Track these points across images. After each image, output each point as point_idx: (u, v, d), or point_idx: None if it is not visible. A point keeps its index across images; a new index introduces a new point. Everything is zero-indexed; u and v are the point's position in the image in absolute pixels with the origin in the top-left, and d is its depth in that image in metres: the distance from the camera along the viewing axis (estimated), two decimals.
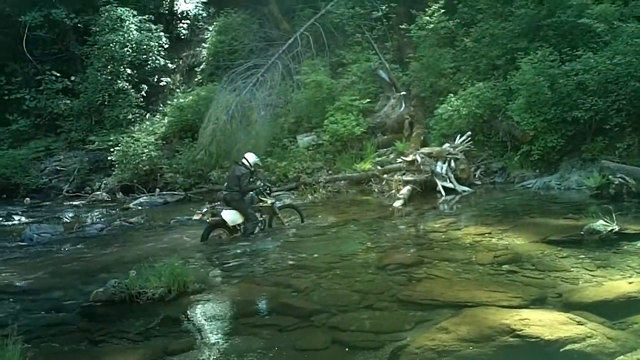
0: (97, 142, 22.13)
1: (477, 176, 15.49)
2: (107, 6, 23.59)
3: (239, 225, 11.17)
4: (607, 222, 8.59)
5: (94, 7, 24.52)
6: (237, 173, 11.20)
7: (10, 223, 15.78)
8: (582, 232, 8.68)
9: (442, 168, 14.57)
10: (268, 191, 12.04)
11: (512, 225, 10.05)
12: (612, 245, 8.12)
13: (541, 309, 5.87)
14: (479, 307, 5.93)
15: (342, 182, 16.69)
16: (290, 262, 8.89)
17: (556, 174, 14.28)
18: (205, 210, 11.48)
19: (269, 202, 11.66)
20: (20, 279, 9.16)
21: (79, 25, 24.94)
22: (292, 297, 7.01)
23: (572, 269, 7.17)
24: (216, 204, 12.11)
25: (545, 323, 5.26)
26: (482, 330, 5.29)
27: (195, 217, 11.93)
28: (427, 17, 18.48)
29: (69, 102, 24.13)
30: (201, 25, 27.87)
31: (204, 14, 28.07)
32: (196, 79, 25.52)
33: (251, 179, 11.46)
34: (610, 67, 13.32)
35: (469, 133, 15.45)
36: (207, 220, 11.15)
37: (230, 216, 11.07)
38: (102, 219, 15.34)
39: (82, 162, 22.24)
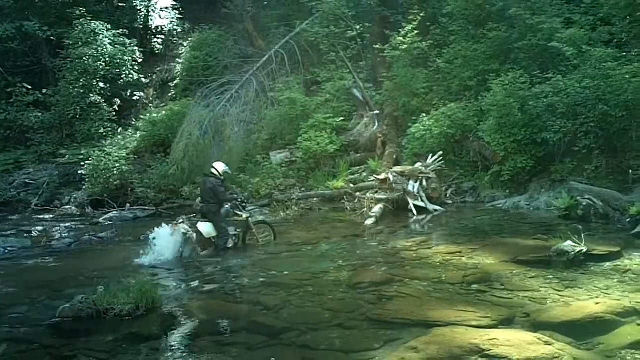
0: (67, 156, 21.87)
1: (448, 195, 15.61)
2: (81, 20, 23.42)
3: (213, 237, 11.12)
4: (576, 242, 8.72)
5: (68, 20, 24.33)
6: (209, 185, 11.16)
7: None
8: (550, 253, 8.80)
9: (414, 187, 14.64)
10: (243, 205, 11.94)
11: (482, 245, 10.12)
12: (580, 266, 8.25)
13: (509, 328, 5.92)
14: (448, 327, 5.95)
15: (315, 199, 16.69)
16: (261, 279, 8.83)
17: (526, 194, 14.46)
18: (180, 221, 11.31)
19: (244, 216, 11.57)
20: None
21: (52, 38, 24.73)
22: (262, 314, 6.96)
23: (540, 289, 7.24)
24: (192, 215, 12.03)
25: (513, 343, 5.31)
26: (451, 350, 5.31)
27: (170, 227, 11.79)
28: (401, 38, 18.68)
29: (40, 115, 23.82)
30: (176, 40, 27.86)
31: (179, 30, 28.07)
32: (170, 94, 25.45)
33: (227, 188, 11.39)
34: (579, 90, 13.55)
35: (441, 153, 15.58)
36: (182, 232, 10.94)
37: (206, 228, 11.06)
38: (70, 234, 15.09)
39: (52, 176, 21.92)
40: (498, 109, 14.57)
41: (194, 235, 10.97)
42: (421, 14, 18.84)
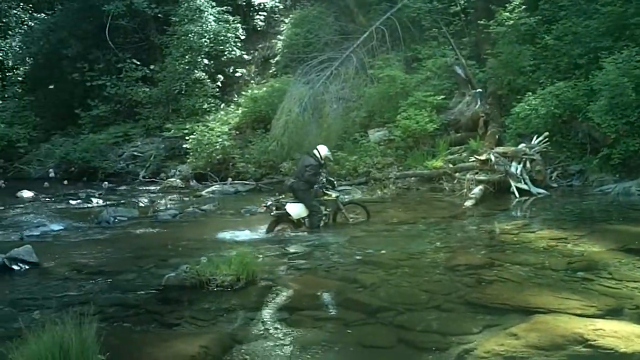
0: (173, 130, 22.75)
1: (553, 178, 15.05)
2: None
3: (303, 218, 11.20)
4: None
5: None
6: (305, 163, 11.25)
7: (89, 205, 16.41)
8: None
9: (516, 169, 14.22)
10: (333, 184, 11.87)
11: (588, 231, 9.71)
12: None
13: (617, 320, 5.66)
14: (550, 314, 5.77)
15: (413, 178, 16.58)
16: (357, 257, 8.88)
17: (637, 179, 13.69)
18: (270, 203, 11.56)
19: (334, 195, 11.55)
20: (97, 260, 9.51)
21: (159, 15, 25.70)
22: (358, 292, 7.01)
23: None
24: (281, 197, 12.20)
25: (620, 335, 5.08)
26: (554, 338, 5.15)
27: (260, 209, 12.06)
28: (507, 13, 18.03)
29: (147, 90, 24.93)
30: (277, 17, 28.20)
31: (281, 6, 28.39)
32: (270, 71, 25.86)
33: (320, 171, 11.42)
34: None
35: (547, 133, 14.98)
36: (272, 214, 11.23)
37: (295, 209, 11.12)
38: (175, 205, 15.77)
39: (158, 149, 22.95)
40: (610, 88, 13.83)
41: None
42: None
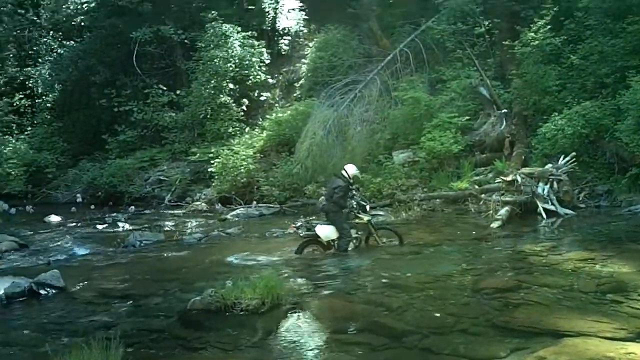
0: (198, 154, 22.91)
1: (580, 199, 14.87)
2: (212, 23, 24.54)
3: (333, 241, 11.07)
4: None
5: (201, 23, 25.58)
6: (334, 185, 11.13)
7: (115, 230, 16.58)
8: None
9: (543, 189, 14.09)
10: (365, 208, 11.60)
11: (617, 252, 9.58)
12: None
13: None
14: (580, 337, 5.69)
15: (438, 200, 16.49)
16: (383, 280, 8.84)
17: None
18: (299, 224, 11.59)
19: (365, 219, 11.37)
20: (124, 284, 9.60)
21: (185, 41, 26.06)
22: (384, 315, 6.98)
23: None
24: (311, 218, 12.16)
25: None
26: None
27: (290, 230, 12.04)
28: (532, 34, 17.96)
29: (173, 114, 25.20)
30: (301, 41, 28.39)
31: (305, 31, 28.58)
32: (295, 94, 26.00)
33: (351, 192, 11.31)
34: None
35: (574, 154, 14.83)
36: (301, 235, 11.23)
37: (325, 231, 11.03)
38: (200, 229, 15.86)
39: (184, 173, 23.13)
40: (638, 107, 13.70)
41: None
42: (554, 8, 18.01)
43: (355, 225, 11.39)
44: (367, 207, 11.78)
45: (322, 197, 12.19)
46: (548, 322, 6.25)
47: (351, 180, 11.38)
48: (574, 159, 14.80)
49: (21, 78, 30.93)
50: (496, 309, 6.91)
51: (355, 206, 11.38)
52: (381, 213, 15.59)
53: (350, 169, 11.45)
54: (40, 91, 30.74)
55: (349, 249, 11.10)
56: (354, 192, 11.60)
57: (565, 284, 7.82)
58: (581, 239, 11.53)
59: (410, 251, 10.99)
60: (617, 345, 5.36)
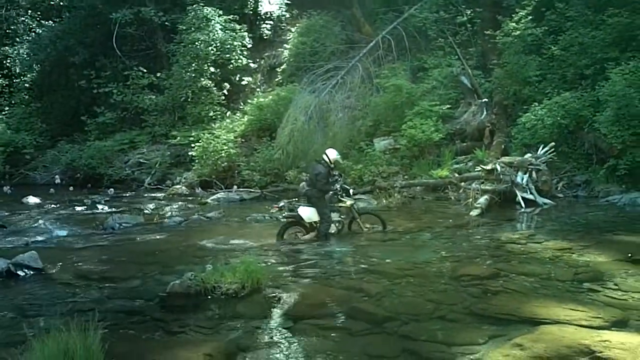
0: (178, 138, 22.77)
1: (559, 189, 15.05)
2: (194, 6, 24.30)
3: (315, 222, 11.08)
4: None
5: (182, 6, 25.35)
6: (315, 171, 11.12)
7: (94, 212, 16.42)
8: None
9: (522, 179, 14.20)
10: (348, 191, 11.65)
11: (594, 242, 9.71)
12: None
13: (623, 331, 5.63)
14: (556, 325, 5.75)
15: (418, 188, 16.60)
16: (363, 266, 8.88)
17: None
18: (282, 204, 11.57)
19: (348, 203, 11.41)
20: (103, 267, 9.51)
21: (166, 23, 25.78)
22: (363, 301, 7.00)
23: None
24: (294, 199, 12.14)
25: (627, 347, 5.05)
26: (559, 349, 5.13)
27: (272, 210, 11.99)
28: (514, 24, 18.06)
29: (153, 97, 24.97)
30: (284, 26, 28.26)
31: (287, 15, 28.42)
32: (276, 79, 25.88)
33: (332, 177, 11.29)
34: None
35: (553, 144, 14.98)
36: (283, 216, 11.25)
37: (307, 213, 11.04)
38: (180, 212, 15.78)
39: (164, 156, 22.97)
40: (617, 99, 13.84)
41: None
42: None
43: (338, 209, 11.41)
44: (351, 191, 11.85)
45: (304, 182, 12.15)
46: (525, 309, 6.30)
47: (332, 165, 11.37)
48: (553, 149, 14.96)
49: None
50: (474, 296, 6.96)
51: (339, 189, 11.41)
52: (363, 198, 15.61)
53: (331, 154, 11.43)
54: (18, 71, 30.31)
55: (331, 232, 11.14)
56: (337, 176, 11.59)
57: (542, 272, 7.90)
58: (559, 228, 11.65)
59: (390, 238, 11.03)
60: (593, 333, 5.42)
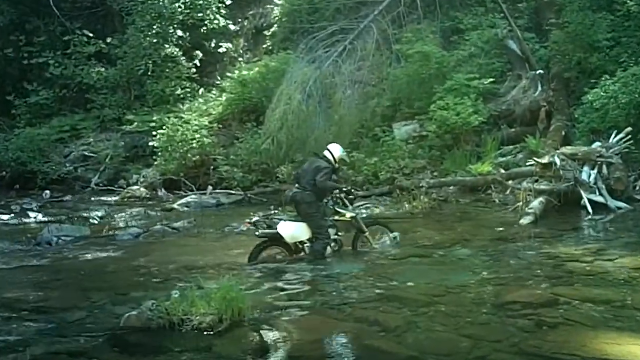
0: (136, 123, 22.81)
1: (638, 188, 15.04)
2: None
3: (302, 242, 10.91)
4: None
5: None
6: (314, 164, 10.98)
7: (24, 221, 16.43)
8: None
9: (589, 175, 14.21)
10: (349, 198, 11.45)
11: None
12: None
13: None
14: None
15: (452, 188, 16.63)
16: (378, 291, 8.87)
17: None
18: (255, 219, 11.33)
19: (348, 215, 11.22)
20: (35, 293, 9.52)
21: None
22: (380, 338, 6.99)
23: None
24: (275, 211, 12.07)
25: None
26: None
27: (243, 227, 11.90)
28: None
29: (103, 70, 24.99)
30: None
31: None
32: (264, 46, 25.94)
33: (335, 179, 11.24)
34: None
35: (629, 129, 14.98)
36: (257, 234, 10.96)
37: (290, 230, 10.80)
38: (139, 222, 15.80)
39: (117, 148, 23.02)
40: None
41: None
42: None
43: (334, 224, 11.19)
44: (353, 199, 11.72)
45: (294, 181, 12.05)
46: (593, 347, 6.31)
47: (336, 165, 11.30)
48: (630, 136, 14.93)
49: None
50: (525, 331, 6.95)
51: (342, 195, 11.25)
52: (379, 203, 15.59)
53: (336, 150, 11.32)
54: None
55: (326, 253, 10.97)
56: (335, 177, 11.47)
57: (615, 298, 7.89)
58: (637, 240, 11.65)
59: (413, 254, 11.04)
60: None
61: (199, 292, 7.68)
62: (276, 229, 10.84)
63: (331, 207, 11.22)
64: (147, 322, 7.37)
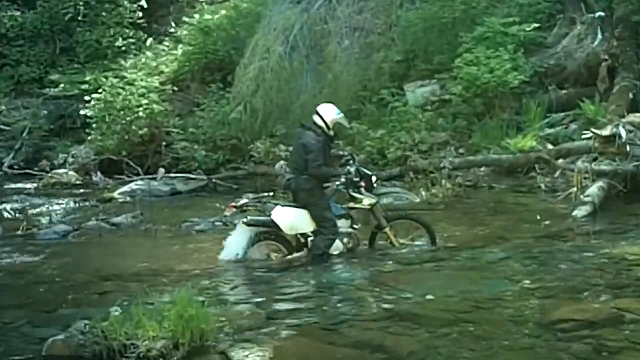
0: (62, 85, 22.73)
1: None
2: None
3: (303, 235, 10.93)
4: None
5: None
6: (301, 141, 10.95)
7: None
8: None
9: None
10: (370, 179, 11.30)
11: None
12: None
13: None
14: None
15: (483, 169, 16.64)
16: (386, 306, 8.91)
17: None
18: (244, 201, 11.28)
19: (366, 202, 11.11)
20: None
21: None
22: None
23: None
24: (264, 195, 12.03)
25: None
26: None
27: (227, 212, 11.87)
28: None
29: (17, 14, 24.88)
30: None
31: None
32: None
33: (330, 152, 11.22)
34: None
35: None
36: (244, 221, 10.92)
37: (289, 218, 10.79)
38: (67, 217, 15.79)
39: (37, 118, 22.96)
40: None
41: None
42: None
43: (347, 214, 11.18)
44: (374, 179, 11.60)
45: (283, 163, 12.06)
46: None
47: (331, 132, 11.18)
48: None
49: None
50: (579, 357, 6.99)
51: (351, 176, 11.07)
52: (387, 187, 15.60)
53: (328, 113, 11.12)
54: None
55: (334, 252, 10.98)
56: (345, 154, 11.39)
57: None
58: None
59: (432, 257, 11.08)
60: None
61: (147, 308, 7.68)
62: (270, 216, 10.79)
63: (343, 190, 11.10)
64: (78, 349, 7.37)
